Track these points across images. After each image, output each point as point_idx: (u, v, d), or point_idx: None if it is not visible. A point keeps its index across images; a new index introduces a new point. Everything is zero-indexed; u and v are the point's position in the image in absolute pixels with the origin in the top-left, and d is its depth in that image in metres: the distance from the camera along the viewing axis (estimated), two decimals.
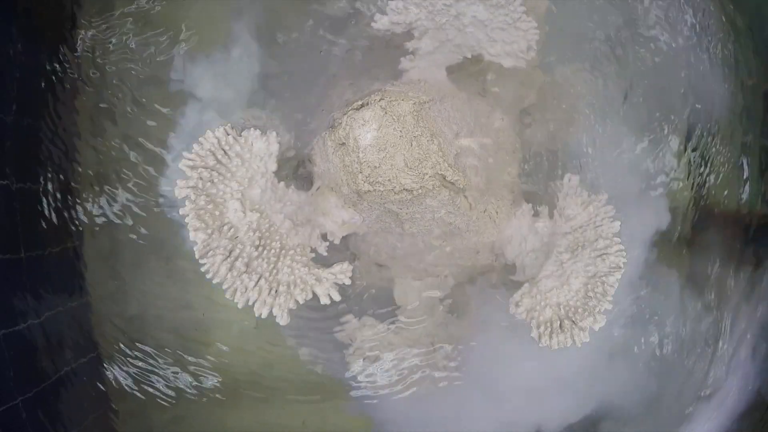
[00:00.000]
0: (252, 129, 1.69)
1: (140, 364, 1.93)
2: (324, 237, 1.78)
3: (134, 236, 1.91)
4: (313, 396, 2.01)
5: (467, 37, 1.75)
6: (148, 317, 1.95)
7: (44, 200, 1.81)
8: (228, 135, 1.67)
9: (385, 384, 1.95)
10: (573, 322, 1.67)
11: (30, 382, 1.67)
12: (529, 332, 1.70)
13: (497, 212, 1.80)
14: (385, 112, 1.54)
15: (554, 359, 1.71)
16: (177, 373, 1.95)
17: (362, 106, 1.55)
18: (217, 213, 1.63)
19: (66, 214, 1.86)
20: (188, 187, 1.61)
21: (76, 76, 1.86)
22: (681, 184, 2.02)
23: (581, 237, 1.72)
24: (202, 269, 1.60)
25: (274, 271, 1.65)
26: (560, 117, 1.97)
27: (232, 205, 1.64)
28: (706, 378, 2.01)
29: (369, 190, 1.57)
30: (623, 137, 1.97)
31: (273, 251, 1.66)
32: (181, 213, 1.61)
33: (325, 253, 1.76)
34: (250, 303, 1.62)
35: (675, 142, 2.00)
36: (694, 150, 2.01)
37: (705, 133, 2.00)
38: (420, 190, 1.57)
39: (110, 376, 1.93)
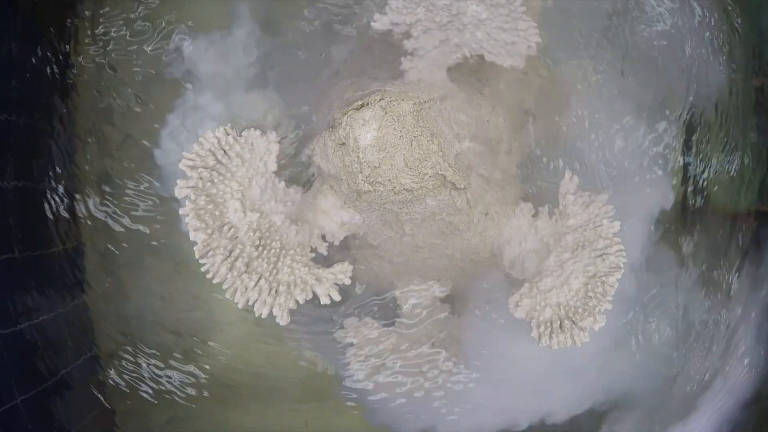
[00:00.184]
0: (252, 129, 1.69)
1: (140, 364, 1.93)
2: (324, 237, 1.78)
3: (134, 236, 1.91)
4: (314, 396, 2.01)
5: (467, 36, 1.75)
6: (147, 317, 1.94)
7: (44, 200, 1.81)
8: (228, 135, 1.67)
9: (385, 383, 1.95)
10: (573, 322, 1.67)
11: (30, 382, 1.67)
12: (529, 331, 1.70)
13: (497, 212, 1.80)
14: (385, 112, 1.54)
15: (557, 352, 1.70)
16: (177, 373, 1.95)
17: (362, 106, 1.55)
18: (217, 213, 1.63)
19: (66, 214, 1.86)
20: (188, 187, 1.61)
21: (76, 75, 1.86)
22: (679, 178, 2.02)
23: (581, 237, 1.71)
24: (202, 269, 1.61)
25: (274, 271, 1.65)
26: (560, 116, 1.97)
27: (232, 205, 1.64)
28: (712, 366, 2.00)
29: (369, 190, 1.57)
30: (623, 136, 1.97)
31: (273, 251, 1.66)
32: (181, 213, 1.61)
33: (325, 253, 1.77)
34: (250, 303, 1.63)
35: (675, 139, 2.00)
36: (691, 149, 2.02)
37: (703, 128, 2.01)
38: (420, 190, 1.57)
39: (110, 376, 1.93)
